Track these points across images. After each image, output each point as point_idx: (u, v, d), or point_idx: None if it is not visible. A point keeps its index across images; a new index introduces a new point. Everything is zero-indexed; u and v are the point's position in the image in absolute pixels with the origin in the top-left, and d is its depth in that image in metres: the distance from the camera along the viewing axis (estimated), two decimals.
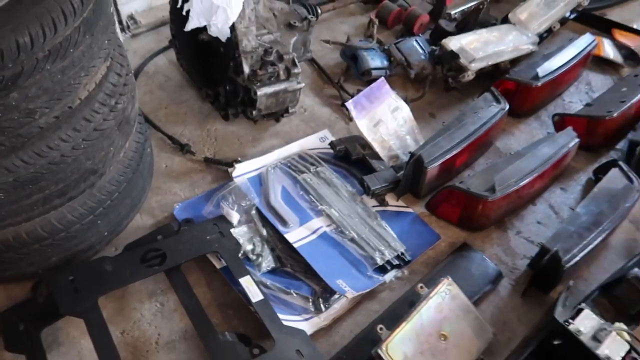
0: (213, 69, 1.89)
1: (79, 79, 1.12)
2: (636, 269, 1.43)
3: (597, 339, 1.23)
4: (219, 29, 1.64)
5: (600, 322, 1.26)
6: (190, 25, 1.68)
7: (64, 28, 1.02)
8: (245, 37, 1.66)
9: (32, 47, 0.97)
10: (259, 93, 1.66)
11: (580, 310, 1.29)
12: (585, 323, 1.26)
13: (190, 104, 1.98)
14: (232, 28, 1.64)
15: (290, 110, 1.82)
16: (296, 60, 1.74)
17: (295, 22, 1.87)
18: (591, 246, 1.45)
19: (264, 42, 1.72)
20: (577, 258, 1.42)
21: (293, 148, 1.82)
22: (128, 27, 2.19)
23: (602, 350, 1.20)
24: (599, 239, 1.47)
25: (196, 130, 1.89)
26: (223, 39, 1.69)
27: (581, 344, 1.20)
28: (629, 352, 1.22)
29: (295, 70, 1.72)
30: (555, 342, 1.25)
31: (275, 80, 1.70)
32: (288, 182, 1.70)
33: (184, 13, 1.68)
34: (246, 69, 1.67)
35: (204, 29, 1.68)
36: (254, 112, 1.72)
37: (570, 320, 1.26)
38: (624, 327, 1.26)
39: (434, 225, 1.67)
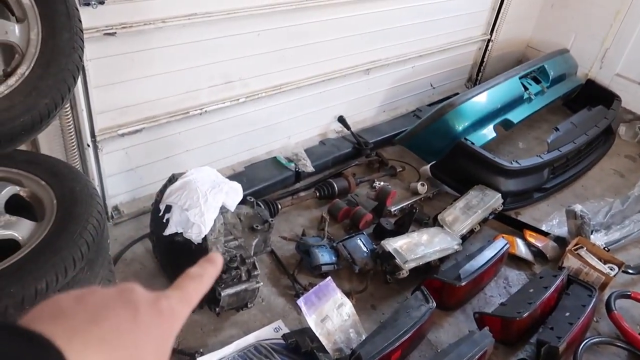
0: (184, 265, 2.17)
1: None
2: None
3: None
4: (193, 239, 1.97)
5: None
6: (168, 231, 2.00)
7: (73, 271, 1.31)
8: (214, 246, 1.98)
9: (47, 291, 1.24)
10: (222, 294, 1.93)
11: None
12: None
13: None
14: (204, 238, 1.97)
15: (249, 305, 2.09)
16: (256, 264, 2.05)
17: (257, 226, 2.23)
18: None
19: (230, 248, 2.05)
20: None
21: (249, 339, 2.05)
22: (112, 216, 2.50)
23: None
24: None
25: None
26: (196, 243, 2.01)
27: None
28: None
29: (255, 273, 2.03)
30: None
31: (237, 281, 2.00)
32: None
33: (164, 221, 2.01)
34: None
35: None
36: (217, 309, 1.98)
37: None
38: None
39: None
